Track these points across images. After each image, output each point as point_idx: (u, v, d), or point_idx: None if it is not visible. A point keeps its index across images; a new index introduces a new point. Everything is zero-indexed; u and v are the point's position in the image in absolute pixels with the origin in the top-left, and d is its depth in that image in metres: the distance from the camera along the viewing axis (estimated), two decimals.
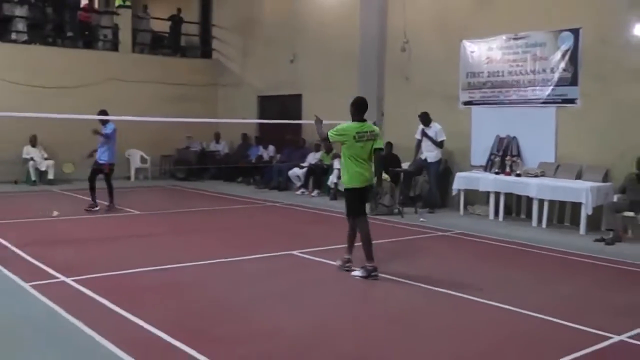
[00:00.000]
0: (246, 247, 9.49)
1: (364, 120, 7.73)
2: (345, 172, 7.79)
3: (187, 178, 19.34)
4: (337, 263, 7.94)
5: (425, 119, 13.46)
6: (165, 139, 18.24)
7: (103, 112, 12.38)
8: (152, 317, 5.80)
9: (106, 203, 12.70)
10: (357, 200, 7.75)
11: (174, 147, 19.94)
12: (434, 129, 13.38)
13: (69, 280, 7.15)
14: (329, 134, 7.74)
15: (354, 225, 7.79)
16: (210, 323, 5.86)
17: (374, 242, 7.60)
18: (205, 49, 22.45)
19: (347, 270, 7.73)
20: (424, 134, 13.45)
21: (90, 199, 12.62)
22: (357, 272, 7.58)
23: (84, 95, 17.79)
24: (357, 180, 7.65)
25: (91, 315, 5.88)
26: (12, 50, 17.83)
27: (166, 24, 21.85)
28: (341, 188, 15.34)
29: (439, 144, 13.39)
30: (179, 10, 21.55)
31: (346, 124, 7.77)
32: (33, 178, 17.35)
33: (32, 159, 17.46)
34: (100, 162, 12.56)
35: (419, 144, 13.64)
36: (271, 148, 18.77)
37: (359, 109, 7.75)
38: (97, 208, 12.52)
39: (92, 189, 12.61)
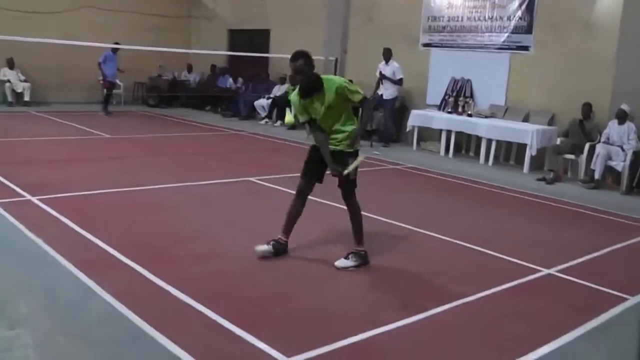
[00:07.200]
0: (208, 172, 9.32)
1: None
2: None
3: (158, 105, 18.96)
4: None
5: (387, 55, 13.28)
6: (138, 66, 17.71)
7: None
8: (110, 238, 5.65)
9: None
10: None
11: (147, 75, 19.42)
12: (392, 68, 13.20)
13: (34, 199, 6.94)
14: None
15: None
16: (167, 244, 5.72)
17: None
18: None
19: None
20: (381, 72, 13.28)
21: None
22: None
23: (60, 21, 17.09)
24: None
25: (51, 233, 5.71)
26: None
27: None
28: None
29: (397, 82, 13.23)
30: None
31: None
32: (10, 99, 16.84)
33: (8, 80, 16.91)
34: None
35: (379, 81, 13.39)
36: (239, 79, 18.42)
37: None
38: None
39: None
